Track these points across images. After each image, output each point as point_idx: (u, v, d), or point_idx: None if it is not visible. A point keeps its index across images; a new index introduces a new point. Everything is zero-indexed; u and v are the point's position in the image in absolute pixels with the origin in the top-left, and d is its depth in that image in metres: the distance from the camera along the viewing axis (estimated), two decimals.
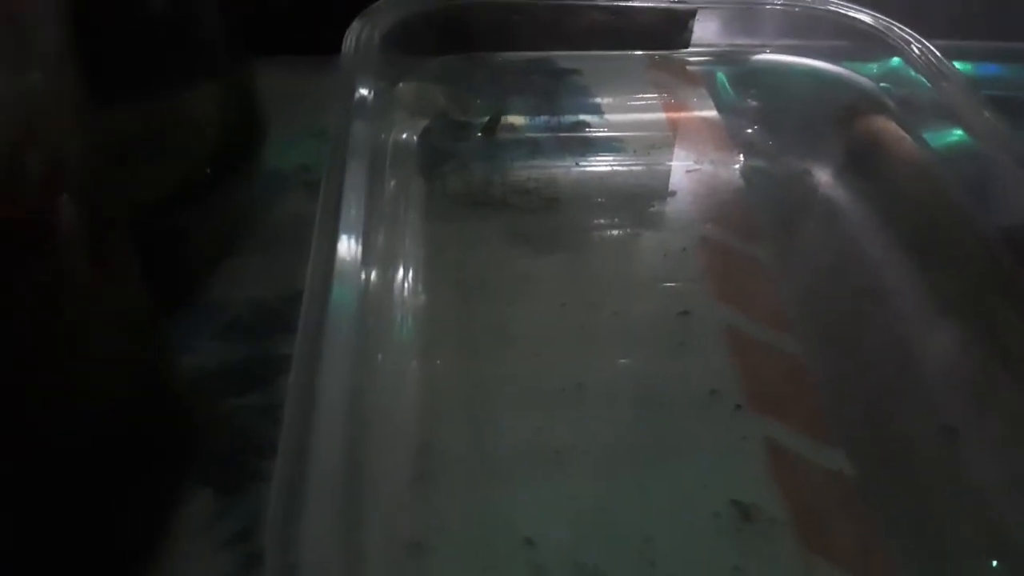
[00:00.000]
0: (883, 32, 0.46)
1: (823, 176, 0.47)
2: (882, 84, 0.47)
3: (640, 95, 0.52)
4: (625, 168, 0.47)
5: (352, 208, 0.29)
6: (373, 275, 0.31)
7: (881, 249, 0.43)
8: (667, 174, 0.48)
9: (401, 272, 0.37)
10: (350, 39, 0.38)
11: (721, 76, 0.52)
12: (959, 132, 0.43)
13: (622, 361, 0.37)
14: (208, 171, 0.40)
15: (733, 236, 0.44)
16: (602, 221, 0.44)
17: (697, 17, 0.52)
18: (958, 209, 0.42)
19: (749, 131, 0.49)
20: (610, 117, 0.50)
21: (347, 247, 0.27)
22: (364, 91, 0.35)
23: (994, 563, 0.31)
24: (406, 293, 0.36)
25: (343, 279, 0.26)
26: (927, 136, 0.45)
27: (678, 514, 0.32)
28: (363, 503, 0.27)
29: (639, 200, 0.45)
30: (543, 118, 0.49)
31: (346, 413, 0.23)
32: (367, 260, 0.29)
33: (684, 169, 0.48)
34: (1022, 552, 0.31)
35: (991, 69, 0.61)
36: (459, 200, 0.43)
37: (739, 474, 0.33)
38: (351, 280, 0.26)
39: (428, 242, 0.40)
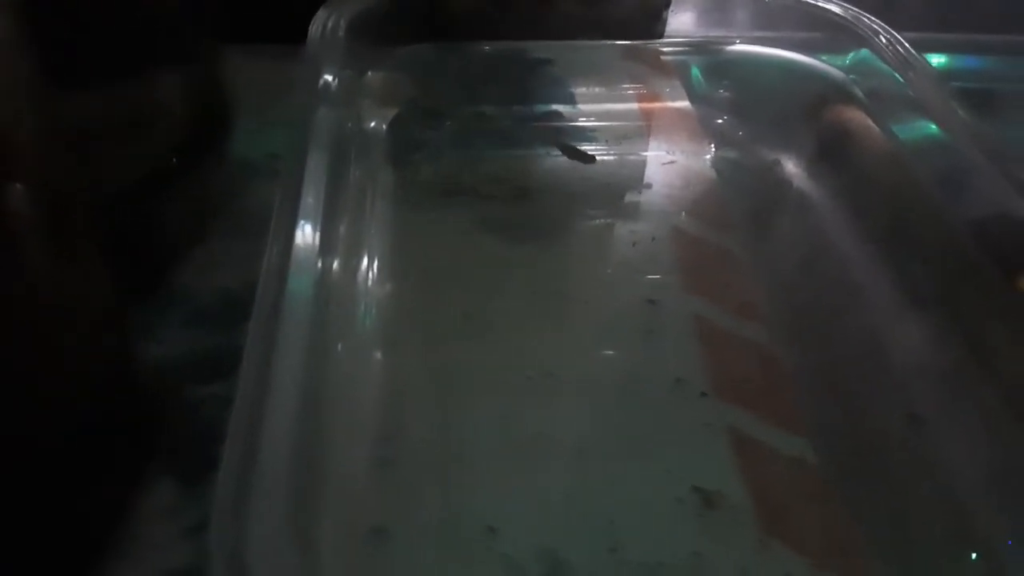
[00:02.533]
0: (852, 22, 0.46)
1: (793, 167, 0.47)
2: (851, 75, 0.48)
3: (613, 85, 0.52)
4: (599, 158, 0.47)
5: (312, 196, 0.29)
6: (335, 264, 0.30)
7: (852, 241, 0.44)
8: (639, 164, 0.48)
9: (365, 261, 0.37)
10: (316, 27, 0.38)
11: (694, 67, 0.52)
12: (928, 124, 0.43)
13: (589, 349, 0.37)
14: (174, 158, 0.40)
15: (704, 226, 0.45)
16: (573, 211, 0.44)
17: (671, 8, 0.52)
18: (928, 202, 0.42)
19: (720, 121, 0.49)
20: (583, 107, 0.50)
21: (305, 235, 0.27)
22: (329, 78, 0.35)
23: (973, 556, 0.31)
24: (370, 282, 0.36)
25: (300, 267, 0.26)
26: (896, 128, 0.45)
27: (641, 500, 0.32)
28: (323, 490, 0.27)
29: (611, 190, 0.45)
30: (516, 108, 0.49)
31: (300, 402, 0.23)
32: (327, 249, 0.29)
33: (656, 159, 0.48)
34: (989, 540, 0.31)
35: (967, 61, 0.61)
36: (429, 189, 0.43)
37: (702, 461, 0.33)
38: (308, 268, 0.26)
39: (396, 231, 0.40)
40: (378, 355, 0.34)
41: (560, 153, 0.46)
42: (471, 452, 0.32)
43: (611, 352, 0.37)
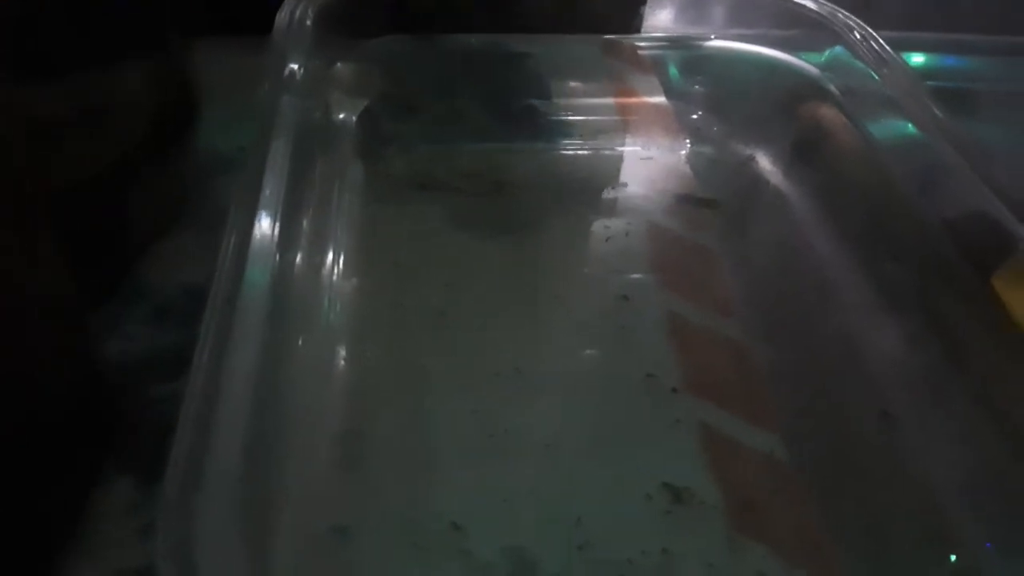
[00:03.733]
0: (827, 19, 0.46)
1: (768, 163, 0.47)
2: (826, 73, 0.48)
3: (590, 80, 0.51)
4: (573, 153, 0.47)
5: (272, 188, 0.28)
6: (297, 258, 0.30)
7: (827, 239, 0.43)
8: (615, 159, 0.47)
9: (331, 255, 0.36)
10: (283, 15, 0.37)
11: (670, 62, 0.52)
12: (903, 123, 0.43)
13: (561, 345, 0.37)
14: (140, 150, 0.39)
15: (678, 223, 0.44)
16: (548, 206, 0.44)
17: (648, 3, 0.52)
18: (902, 201, 0.42)
19: (695, 117, 0.49)
20: (559, 101, 0.50)
21: (264, 228, 0.26)
22: (295, 67, 0.34)
23: (952, 558, 0.31)
24: (336, 277, 0.35)
25: (257, 260, 0.25)
26: (871, 126, 0.45)
27: (609, 497, 0.31)
28: (281, 488, 0.26)
29: (586, 185, 0.45)
30: (491, 101, 0.48)
31: (254, 397, 0.22)
32: (288, 242, 0.28)
33: (632, 155, 0.48)
34: (964, 540, 0.31)
35: (944, 60, 0.61)
36: (401, 183, 0.42)
37: (672, 457, 0.33)
38: (266, 261, 0.25)
39: (365, 225, 0.39)
40: (343, 351, 0.33)
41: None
42: (437, 449, 0.32)
43: (582, 348, 0.37)
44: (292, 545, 0.25)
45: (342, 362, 0.33)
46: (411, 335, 0.36)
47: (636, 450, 0.33)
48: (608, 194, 0.45)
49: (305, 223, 0.31)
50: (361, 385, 0.33)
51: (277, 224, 0.27)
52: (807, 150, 0.47)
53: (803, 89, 0.48)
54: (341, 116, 0.42)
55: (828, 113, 0.47)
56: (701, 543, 0.30)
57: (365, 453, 0.31)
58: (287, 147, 0.31)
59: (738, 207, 0.46)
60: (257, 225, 0.27)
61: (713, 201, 0.45)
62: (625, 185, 0.46)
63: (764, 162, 0.47)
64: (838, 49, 0.46)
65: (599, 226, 0.43)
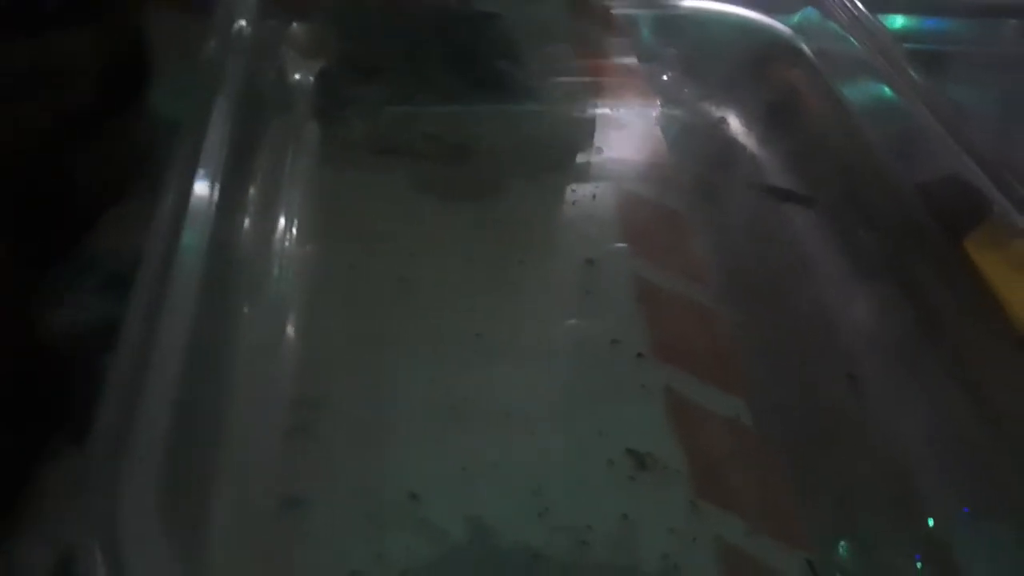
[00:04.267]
0: None
1: (740, 126, 0.46)
2: (800, 34, 0.47)
3: (560, 42, 0.50)
4: (540, 116, 0.46)
5: (213, 150, 0.27)
6: (245, 223, 0.29)
7: (800, 206, 0.43)
8: (584, 123, 0.46)
9: (283, 221, 0.35)
10: None
11: (642, 23, 0.50)
12: (878, 86, 0.42)
13: (524, 311, 0.36)
14: (87, 114, 0.38)
15: (647, 185, 0.43)
16: (513, 170, 0.42)
17: None
18: (877, 165, 0.41)
19: (666, 78, 0.48)
20: (528, 63, 0.48)
21: (202, 191, 0.25)
22: (243, 25, 0.33)
23: (930, 522, 0.30)
24: (288, 243, 0.34)
25: (194, 225, 0.24)
26: (846, 89, 0.44)
27: (571, 464, 0.31)
28: (226, 459, 0.25)
29: (553, 148, 0.44)
30: (457, 62, 0.47)
31: (187, 366, 0.21)
32: (233, 206, 0.27)
33: (601, 117, 0.47)
34: (934, 504, 0.31)
35: (922, 22, 0.60)
36: (361, 147, 0.41)
37: (636, 422, 0.32)
38: (203, 226, 0.24)
39: (323, 191, 0.38)
40: (295, 318, 0.32)
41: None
42: (394, 417, 0.31)
43: (547, 314, 0.36)
44: (239, 517, 0.25)
45: (294, 330, 0.32)
46: (369, 301, 0.35)
47: (600, 416, 0.32)
48: (574, 157, 0.44)
49: (253, 188, 0.30)
50: (314, 353, 0.32)
51: (217, 187, 0.26)
52: (780, 113, 0.46)
53: (776, 51, 0.47)
54: (296, 77, 0.41)
55: (801, 76, 0.46)
56: (663, 508, 0.30)
57: (318, 422, 0.30)
58: (233, 108, 0.30)
59: (709, 171, 0.45)
60: (195, 189, 0.25)
61: (684, 165, 0.45)
62: (594, 148, 0.45)
63: (736, 125, 0.46)
64: (810, 10, 0.45)
65: (566, 190, 0.42)
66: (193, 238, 0.24)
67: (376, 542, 0.28)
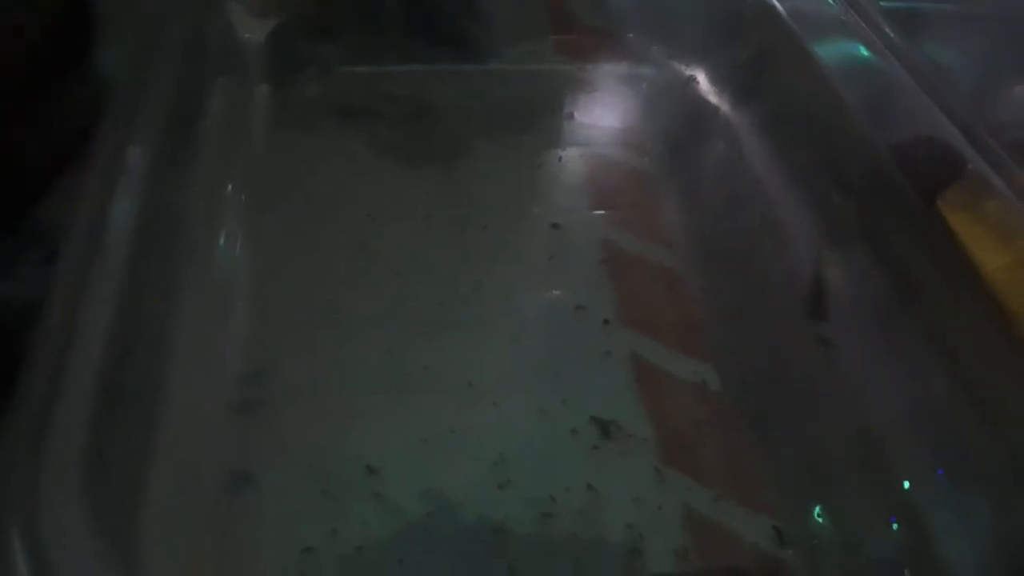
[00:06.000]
0: None
1: (710, 86, 0.45)
2: None
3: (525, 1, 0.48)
4: (504, 75, 0.44)
5: (150, 114, 0.25)
6: (185, 190, 0.27)
7: (771, 166, 0.42)
8: (549, 83, 0.45)
9: (231, 188, 0.33)
10: None
11: None
12: (853, 44, 0.41)
13: (486, 277, 0.35)
14: (26, 80, 0.36)
15: (615, 148, 0.42)
16: (475, 131, 0.41)
17: None
18: (852, 127, 0.40)
19: (633, 36, 0.46)
20: (492, 21, 0.46)
21: (136, 158, 0.24)
22: None
23: (906, 484, 0.30)
24: (236, 210, 0.32)
25: (125, 193, 0.22)
26: (820, 48, 0.42)
27: (533, 434, 0.30)
28: (170, 433, 0.24)
29: (516, 109, 0.42)
30: (418, 20, 0.45)
31: (114, 341, 0.20)
32: (169, 173, 0.26)
33: (567, 77, 0.45)
34: (907, 470, 0.30)
35: None
36: (316, 109, 0.39)
37: (601, 390, 0.32)
38: (135, 194, 0.23)
39: (275, 155, 0.37)
40: (244, 288, 0.31)
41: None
42: (349, 389, 0.30)
43: (510, 280, 0.35)
44: (182, 495, 0.24)
45: (242, 300, 0.30)
46: (323, 270, 0.33)
47: (564, 384, 0.32)
48: (540, 119, 0.43)
49: (197, 153, 0.29)
50: (263, 324, 0.30)
51: (154, 153, 0.25)
52: (751, 73, 0.45)
53: (748, 8, 0.45)
54: (247, 36, 0.39)
55: (775, 34, 0.45)
56: (628, 477, 0.29)
57: (267, 395, 0.29)
58: (174, 69, 0.28)
59: (679, 132, 0.44)
60: (129, 154, 0.24)
61: (653, 125, 0.43)
62: (560, 109, 0.43)
63: (707, 85, 0.45)
64: None
65: (531, 152, 0.41)
66: (124, 206, 0.22)
67: (330, 518, 0.27)
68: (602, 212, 0.39)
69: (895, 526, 0.28)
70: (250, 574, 0.25)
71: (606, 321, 0.34)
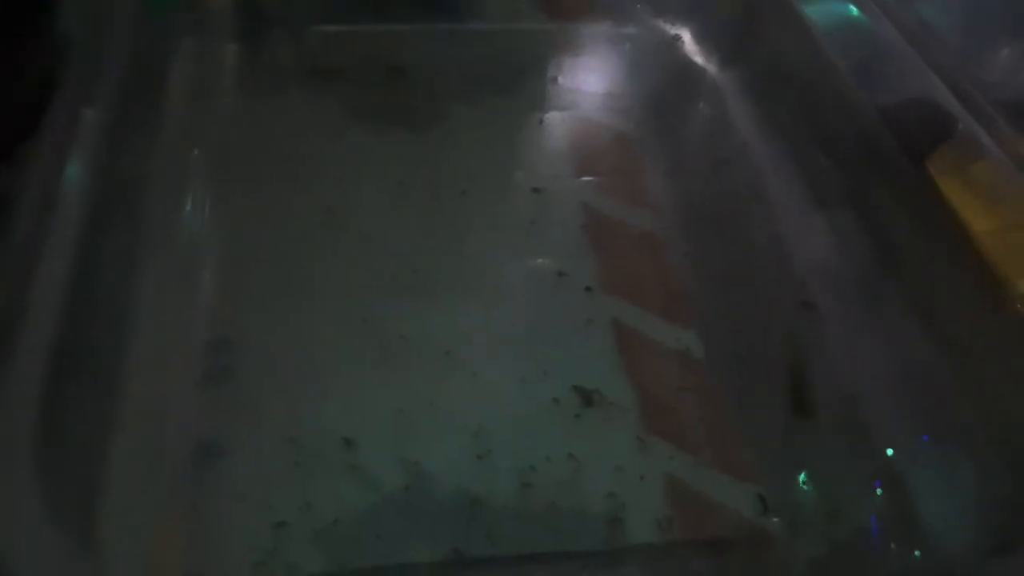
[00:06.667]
0: None
1: (695, 44, 0.44)
2: None
3: None
4: (482, 35, 0.43)
5: (109, 74, 0.24)
6: (148, 154, 0.26)
7: (757, 129, 0.41)
8: (529, 42, 0.43)
9: (197, 151, 0.32)
10: None
11: None
12: (842, 3, 0.40)
13: (464, 244, 0.34)
14: None
15: (598, 110, 0.41)
16: (452, 93, 0.39)
17: None
18: (840, 89, 0.39)
19: None
20: None
21: (93, 119, 0.22)
22: None
23: (888, 452, 0.29)
24: (203, 175, 0.31)
25: (81, 157, 0.21)
26: (809, 7, 0.41)
27: (513, 403, 0.29)
28: (133, 406, 0.23)
29: (495, 70, 0.41)
30: None
31: (68, 310, 0.19)
32: (130, 136, 0.24)
33: (547, 36, 0.43)
34: (889, 436, 0.30)
35: None
36: (287, 69, 0.38)
37: (583, 358, 0.31)
38: (91, 158, 0.21)
39: (243, 118, 0.35)
40: (212, 256, 0.30)
41: None
42: (322, 359, 0.29)
43: (489, 246, 0.34)
44: (147, 469, 0.23)
45: (209, 268, 0.29)
46: (294, 236, 0.32)
47: (544, 353, 0.31)
48: (520, 81, 0.41)
49: (160, 115, 0.27)
50: (232, 291, 0.29)
51: (113, 116, 0.23)
52: (738, 32, 0.43)
53: None
54: None
55: None
56: (610, 446, 0.28)
57: (236, 365, 0.28)
58: (132, 27, 0.26)
59: (664, 94, 0.43)
60: (85, 117, 0.23)
61: (637, 86, 0.42)
62: (540, 70, 0.42)
63: (692, 44, 0.44)
64: None
65: (510, 115, 0.40)
66: (79, 171, 0.21)
67: (304, 491, 0.26)
68: (584, 176, 0.38)
69: (879, 492, 0.28)
70: (221, 551, 0.24)
71: (588, 288, 0.33)
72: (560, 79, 0.42)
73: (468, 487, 0.27)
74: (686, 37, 0.44)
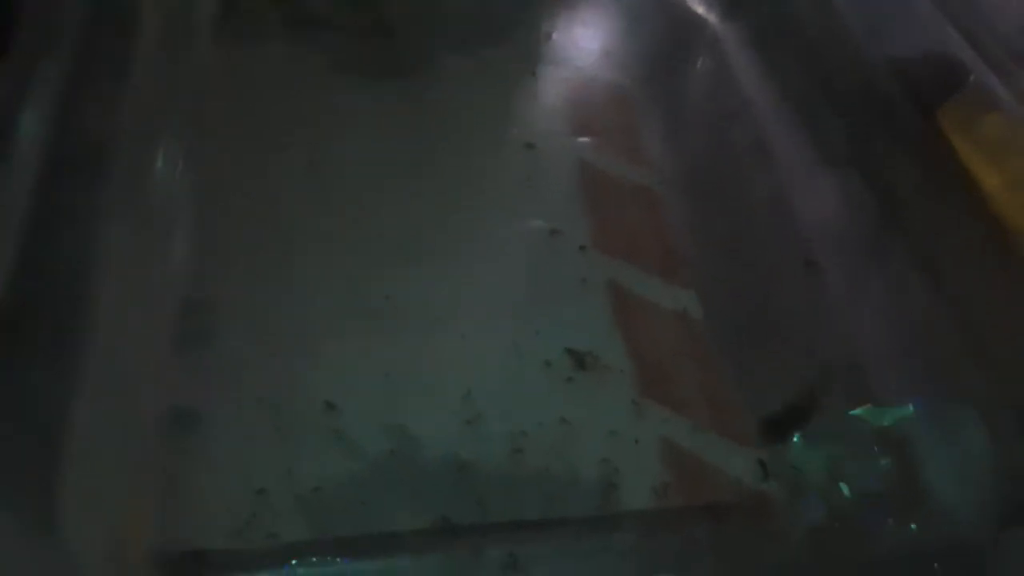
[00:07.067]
0: None
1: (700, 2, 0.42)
2: None
3: None
4: None
5: (71, 18, 0.22)
6: (116, 105, 0.24)
7: (760, 82, 0.39)
8: None
9: (171, 103, 0.30)
10: None
11: None
12: None
13: (453, 200, 0.32)
14: None
15: (594, 62, 0.39)
16: (441, 45, 0.38)
17: None
18: (848, 40, 0.38)
19: None
20: None
21: (55, 69, 0.21)
22: None
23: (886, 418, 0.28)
24: (177, 128, 0.29)
25: (39, 106, 0.20)
26: None
27: (504, 366, 0.28)
28: (103, 370, 0.22)
29: (484, 20, 0.39)
30: None
31: (23, 267, 0.17)
32: (95, 84, 0.23)
33: None
34: (883, 394, 0.29)
35: None
36: (267, 17, 0.36)
37: (577, 320, 0.30)
38: (51, 108, 0.20)
39: (221, 69, 0.33)
40: (188, 213, 0.28)
41: None
42: (304, 321, 0.28)
43: (480, 203, 0.33)
44: (116, 437, 0.22)
45: (185, 226, 0.28)
46: (276, 193, 0.31)
47: (537, 314, 0.30)
48: (513, 31, 0.39)
49: (128, 65, 0.26)
50: (208, 251, 0.28)
51: (75, 64, 0.22)
52: None
53: None
54: None
55: None
56: (604, 410, 0.27)
57: (213, 327, 0.26)
58: None
59: (664, 47, 0.41)
60: (43, 67, 0.21)
61: (637, 39, 0.40)
62: (534, 17, 0.40)
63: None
64: None
65: (501, 68, 0.38)
66: (34, 124, 0.19)
67: (285, 457, 0.25)
68: (580, 132, 0.36)
69: (882, 459, 0.27)
70: (197, 521, 0.23)
71: (582, 247, 0.32)
72: (555, 29, 0.40)
73: (457, 453, 0.26)
74: None
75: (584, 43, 0.40)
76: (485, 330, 0.29)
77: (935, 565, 0.23)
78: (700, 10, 0.41)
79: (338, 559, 0.23)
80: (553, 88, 0.38)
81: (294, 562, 0.23)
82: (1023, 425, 0.26)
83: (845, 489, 0.26)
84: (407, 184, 0.33)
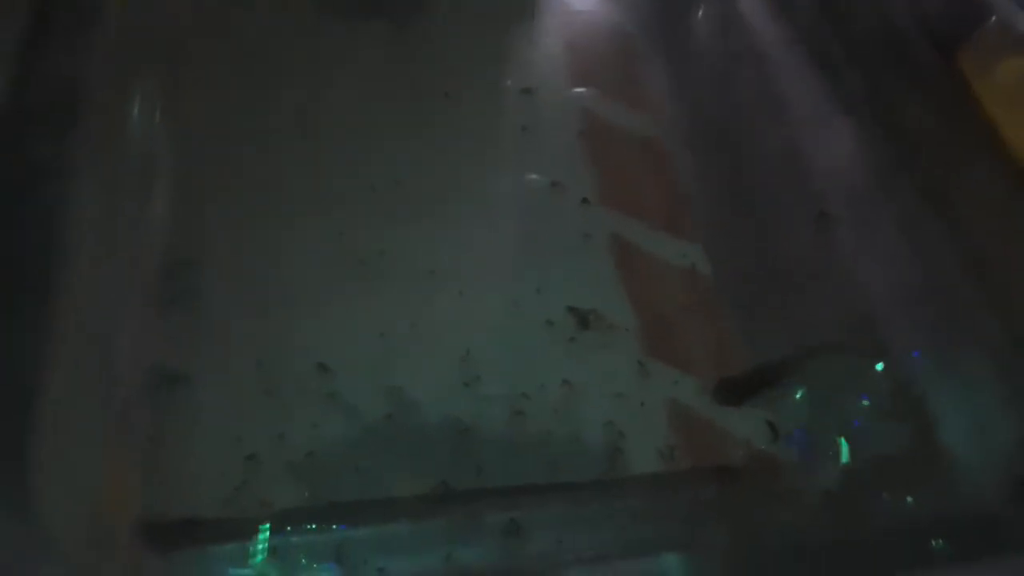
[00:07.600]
0: None
1: None
2: None
3: None
4: None
5: None
6: (89, 51, 0.22)
7: (770, 22, 0.37)
8: None
9: (147, 50, 0.28)
10: None
11: None
12: None
13: (447, 150, 0.31)
14: None
15: (600, 6, 0.37)
16: None
17: None
18: None
19: None
20: None
21: (19, 14, 0.19)
22: None
23: (877, 367, 0.27)
24: (156, 74, 0.27)
25: (1, 56, 0.18)
26: None
27: (503, 326, 0.27)
28: (81, 333, 0.21)
29: None
30: None
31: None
32: (61, 34, 0.21)
33: None
34: (890, 344, 0.28)
35: None
36: None
37: (579, 277, 0.28)
38: (12, 56, 0.18)
39: (201, 13, 0.31)
40: (168, 168, 0.26)
41: None
42: (294, 279, 0.26)
43: (476, 153, 0.31)
44: (95, 402, 0.20)
45: (164, 180, 0.26)
46: (262, 142, 0.29)
47: (538, 271, 0.28)
48: None
49: (98, 9, 0.24)
50: (191, 206, 0.26)
51: (49, 12, 0.20)
52: None
53: None
54: None
55: None
56: (608, 371, 0.26)
57: (200, 286, 0.25)
58: None
59: None
60: (10, 7, 0.19)
61: None
62: None
63: None
64: None
65: (497, 7, 0.36)
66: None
67: (276, 421, 0.24)
68: (580, 77, 0.34)
69: (896, 419, 0.26)
70: (185, 488, 0.22)
71: (584, 200, 0.30)
72: None
73: (456, 416, 0.25)
74: None
75: None
76: (483, 287, 0.28)
77: (947, 530, 0.22)
78: None
79: (334, 526, 0.22)
80: (552, 31, 0.36)
81: (288, 529, 0.22)
82: None
83: (852, 451, 0.25)
84: (400, 133, 0.31)
